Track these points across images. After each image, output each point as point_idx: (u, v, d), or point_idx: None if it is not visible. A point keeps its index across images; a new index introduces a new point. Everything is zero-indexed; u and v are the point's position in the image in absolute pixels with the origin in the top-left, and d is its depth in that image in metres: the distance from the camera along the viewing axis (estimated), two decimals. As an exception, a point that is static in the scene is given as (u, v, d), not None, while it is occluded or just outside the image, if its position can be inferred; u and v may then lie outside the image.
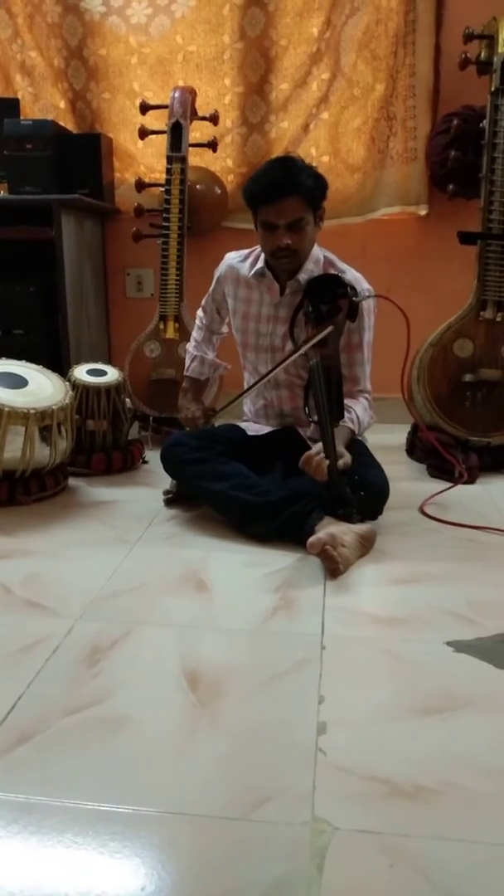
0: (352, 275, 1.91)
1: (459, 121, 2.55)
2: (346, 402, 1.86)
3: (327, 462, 1.61)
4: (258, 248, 1.99)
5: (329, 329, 1.72)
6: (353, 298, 1.77)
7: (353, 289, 1.79)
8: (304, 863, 0.81)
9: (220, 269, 2.09)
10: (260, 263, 1.97)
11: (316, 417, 1.72)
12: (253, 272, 1.97)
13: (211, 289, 2.14)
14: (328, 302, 1.77)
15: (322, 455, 1.64)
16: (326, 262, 1.95)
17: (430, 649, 1.27)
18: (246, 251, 2.05)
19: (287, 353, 1.93)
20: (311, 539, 1.58)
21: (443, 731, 1.05)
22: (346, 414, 1.83)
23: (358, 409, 1.89)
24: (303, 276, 1.90)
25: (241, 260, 2.04)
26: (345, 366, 1.88)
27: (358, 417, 1.88)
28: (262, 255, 1.96)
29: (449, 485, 2.20)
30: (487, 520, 1.92)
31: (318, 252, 1.94)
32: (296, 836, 0.85)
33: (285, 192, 1.74)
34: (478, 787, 0.93)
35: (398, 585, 1.54)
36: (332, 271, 1.90)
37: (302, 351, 1.78)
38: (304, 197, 1.76)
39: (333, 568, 1.56)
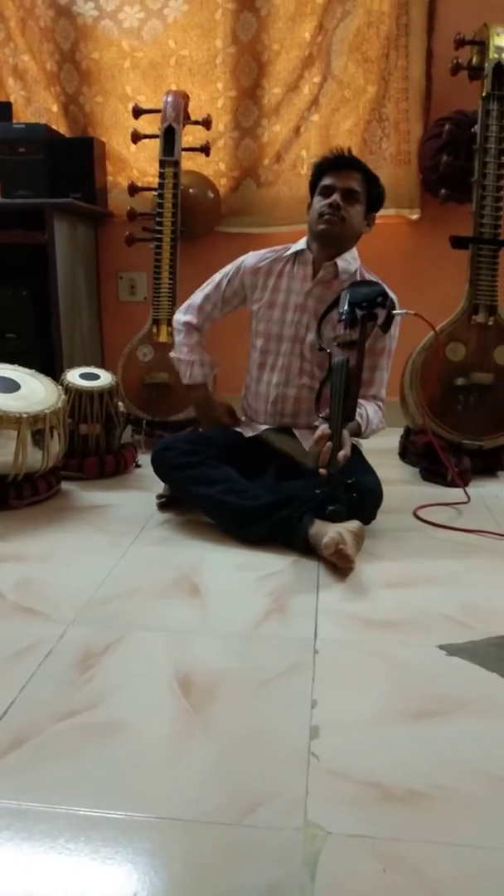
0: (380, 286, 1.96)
1: (451, 125, 2.55)
2: (360, 401, 1.90)
3: (338, 452, 1.63)
4: (281, 247, 2.07)
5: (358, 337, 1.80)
6: (393, 311, 1.85)
7: (393, 302, 1.86)
8: (297, 868, 0.81)
9: (247, 260, 2.09)
10: (298, 246, 2.03)
11: (324, 414, 1.74)
12: (289, 255, 2.04)
13: (227, 278, 2.10)
14: (366, 308, 1.81)
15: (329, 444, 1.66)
16: (362, 266, 2.03)
17: (422, 653, 1.27)
18: (271, 248, 2.10)
19: (306, 346, 1.99)
20: (326, 540, 1.60)
21: (435, 734, 1.05)
22: (357, 409, 1.86)
23: (369, 409, 1.91)
24: (340, 263, 1.96)
25: (270, 253, 2.09)
26: (365, 370, 1.92)
27: (368, 416, 1.89)
28: (301, 241, 2.03)
29: (453, 501, 2.12)
30: (480, 523, 1.93)
31: (356, 251, 2.03)
32: (288, 841, 0.85)
33: (351, 165, 1.95)
34: (470, 790, 0.93)
35: (391, 589, 1.55)
36: (366, 277, 1.99)
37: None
38: (364, 178, 1.95)
39: (348, 567, 1.59)
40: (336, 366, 1.75)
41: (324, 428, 1.70)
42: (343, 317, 1.84)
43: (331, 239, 1.95)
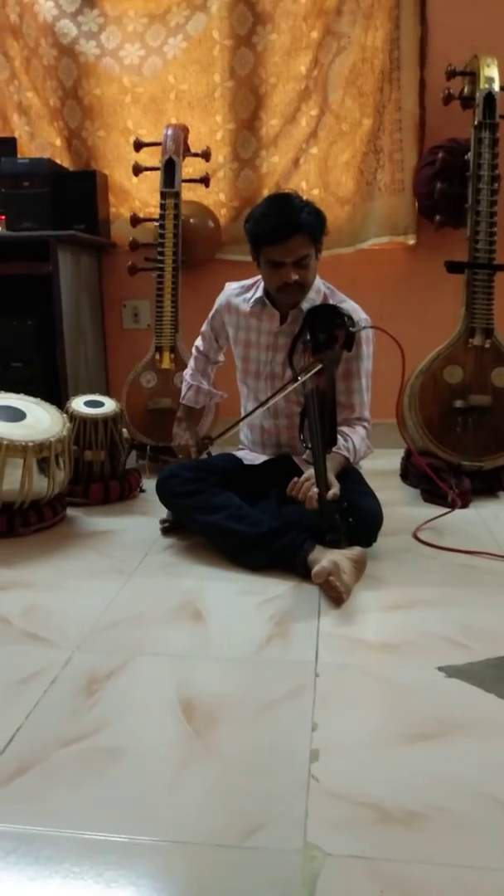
0: (349, 305, 1.96)
1: (445, 153, 2.61)
2: (345, 430, 1.91)
3: (316, 490, 1.63)
4: (258, 279, 2.02)
5: (323, 362, 1.76)
6: (350, 329, 1.82)
7: (351, 319, 1.83)
8: (296, 889, 0.83)
9: (220, 299, 2.13)
10: (259, 293, 2.00)
11: (309, 444, 1.75)
12: (253, 301, 2.01)
13: (210, 316, 2.17)
14: (326, 331, 1.81)
15: (311, 481, 1.65)
16: (326, 292, 2.00)
17: (422, 675, 1.29)
18: (247, 282, 2.09)
19: (285, 381, 1.98)
20: (317, 569, 1.60)
21: (433, 756, 1.07)
22: (342, 442, 1.86)
23: (356, 439, 1.92)
24: (305, 305, 1.93)
25: (241, 290, 2.08)
26: (342, 393, 1.92)
27: (355, 446, 1.90)
28: (261, 286, 2.00)
29: (444, 511, 2.22)
30: (480, 544, 1.95)
31: (318, 282, 1.99)
32: (288, 863, 0.86)
33: (291, 232, 1.78)
34: (468, 811, 0.95)
35: (392, 611, 1.56)
36: (332, 301, 1.95)
37: (300, 382, 1.81)
38: (308, 235, 1.80)
39: (338, 597, 1.58)
40: (308, 396, 1.73)
41: (307, 475, 1.68)
42: (307, 345, 1.85)
43: (294, 303, 1.94)
